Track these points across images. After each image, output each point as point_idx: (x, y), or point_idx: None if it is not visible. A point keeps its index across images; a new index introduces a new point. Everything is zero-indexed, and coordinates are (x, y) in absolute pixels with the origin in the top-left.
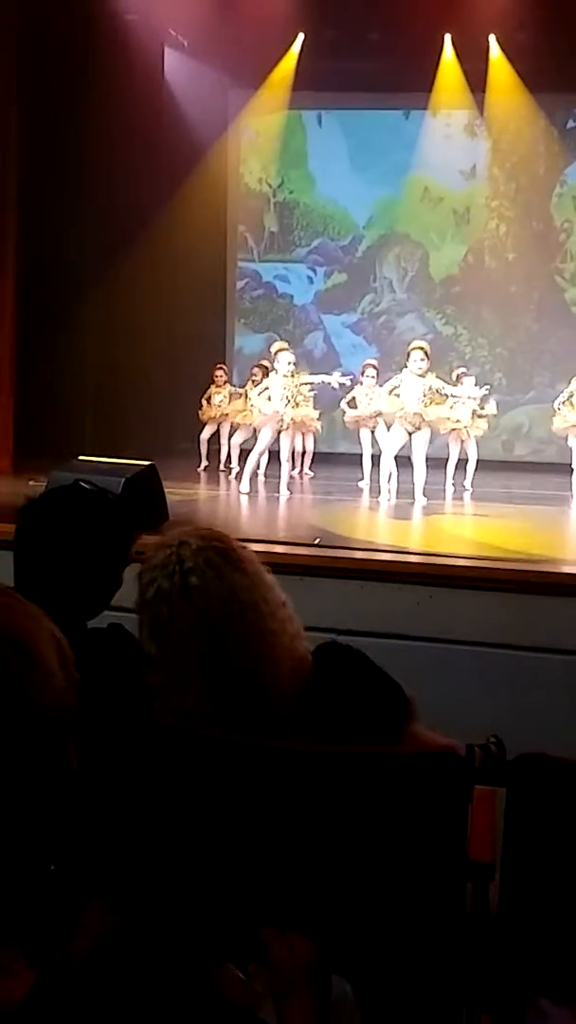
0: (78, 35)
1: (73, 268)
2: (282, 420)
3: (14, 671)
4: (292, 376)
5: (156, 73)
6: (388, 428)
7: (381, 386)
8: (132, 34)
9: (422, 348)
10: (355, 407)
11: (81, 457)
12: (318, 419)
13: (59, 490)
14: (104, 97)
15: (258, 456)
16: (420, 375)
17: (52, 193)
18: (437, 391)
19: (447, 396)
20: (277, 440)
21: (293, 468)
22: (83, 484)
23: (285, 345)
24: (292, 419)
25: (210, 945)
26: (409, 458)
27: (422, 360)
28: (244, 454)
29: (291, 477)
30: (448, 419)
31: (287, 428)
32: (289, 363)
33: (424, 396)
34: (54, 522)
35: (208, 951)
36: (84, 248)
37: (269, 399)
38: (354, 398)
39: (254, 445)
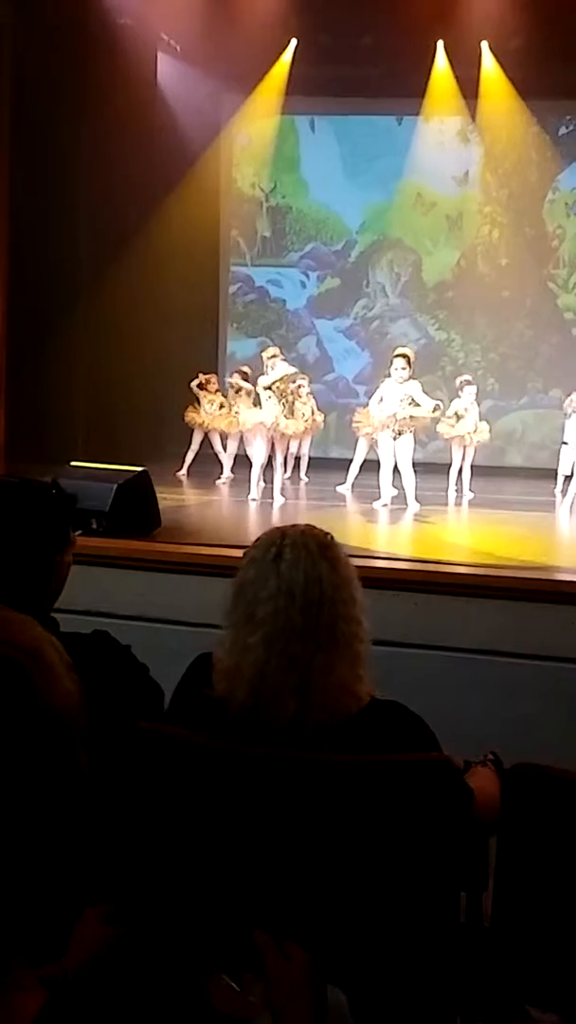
0: (71, 39)
1: (65, 272)
2: (263, 426)
3: (31, 678)
4: (280, 381)
5: (149, 78)
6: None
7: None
8: (125, 39)
9: (404, 355)
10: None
11: (73, 463)
12: (308, 421)
13: None
14: (97, 101)
15: (259, 470)
16: (400, 383)
17: (45, 197)
18: (412, 398)
19: (419, 404)
20: (272, 448)
21: (286, 473)
22: (10, 478)
23: (273, 352)
24: (281, 430)
25: (206, 956)
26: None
27: (403, 368)
28: (238, 459)
29: (284, 483)
30: (413, 418)
31: (279, 437)
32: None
33: (401, 402)
34: None
35: (204, 962)
36: (76, 252)
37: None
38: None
39: (243, 451)
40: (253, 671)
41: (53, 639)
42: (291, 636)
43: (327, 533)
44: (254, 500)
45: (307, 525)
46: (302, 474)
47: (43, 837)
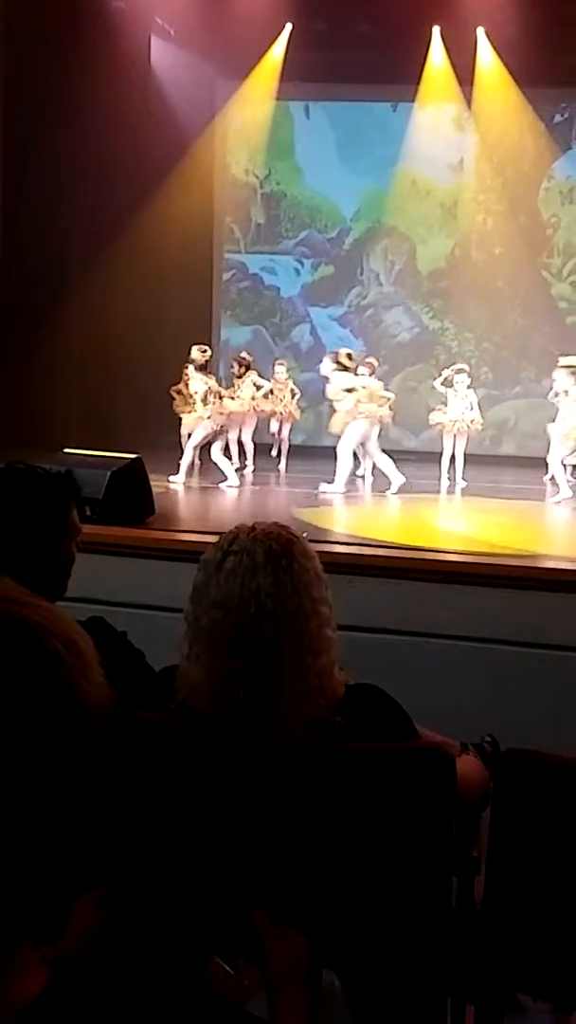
0: (64, 23)
1: (57, 259)
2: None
3: (67, 669)
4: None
5: (143, 62)
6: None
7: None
8: (118, 22)
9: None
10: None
11: (66, 450)
12: (284, 406)
13: None
14: (90, 86)
15: (220, 451)
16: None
17: (37, 183)
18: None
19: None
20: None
21: (279, 460)
22: (16, 465)
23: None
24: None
25: (201, 939)
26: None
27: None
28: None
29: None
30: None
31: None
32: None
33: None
34: None
35: (199, 945)
36: (69, 239)
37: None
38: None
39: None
40: (204, 681)
41: (83, 631)
42: (231, 650)
43: (290, 537)
44: (243, 487)
45: (273, 524)
46: (281, 460)
47: (54, 824)
